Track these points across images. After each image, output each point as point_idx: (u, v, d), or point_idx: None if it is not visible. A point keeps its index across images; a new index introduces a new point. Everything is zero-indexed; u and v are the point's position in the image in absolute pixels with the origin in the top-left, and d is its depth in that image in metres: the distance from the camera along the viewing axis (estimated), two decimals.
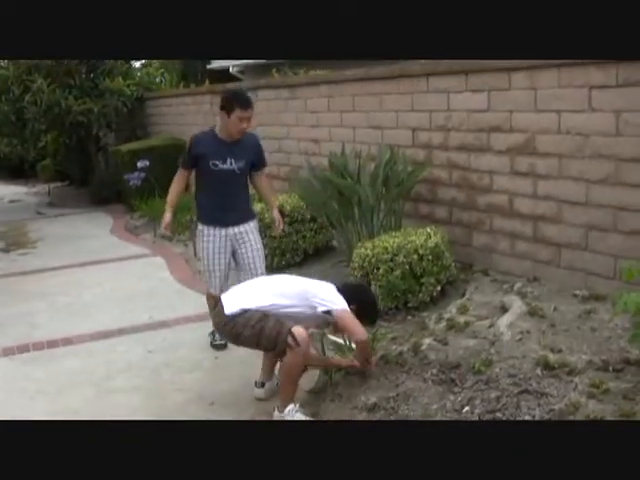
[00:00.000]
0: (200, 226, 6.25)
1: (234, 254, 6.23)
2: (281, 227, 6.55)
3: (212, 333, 6.31)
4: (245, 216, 6.22)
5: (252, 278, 5.93)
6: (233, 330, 4.97)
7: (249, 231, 6.19)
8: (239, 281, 5.89)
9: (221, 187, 6.08)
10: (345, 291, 5.11)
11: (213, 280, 6.23)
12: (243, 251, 6.17)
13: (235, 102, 5.88)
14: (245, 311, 4.94)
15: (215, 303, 6.10)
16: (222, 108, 5.94)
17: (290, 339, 4.76)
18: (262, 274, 6.13)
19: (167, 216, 6.31)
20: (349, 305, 4.97)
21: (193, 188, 6.45)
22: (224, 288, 6.01)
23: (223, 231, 6.11)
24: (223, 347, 6.24)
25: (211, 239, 6.14)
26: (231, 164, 6.01)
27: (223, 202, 6.10)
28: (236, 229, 6.14)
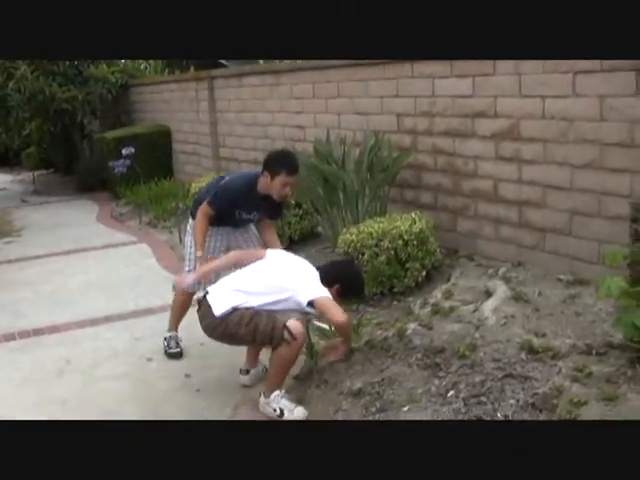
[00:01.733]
0: (192, 221, 6.01)
1: (228, 249, 6.00)
2: None
3: (166, 339, 6.17)
4: None
5: None
6: (226, 331, 4.89)
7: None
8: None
9: (229, 226, 5.96)
10: (327, 272, 5.10)
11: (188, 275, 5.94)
12: (240, 243, 6.03)
13: (282, 166, 5.57)
14: (235, 309, 4.88)
15: (183, 300, 6.09)
16: (266, 167, 5.63)
17: (286, 333, 4.74)
18: None
19: (199, 253, 5.72)
20: (333, 285, 4.95)
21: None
22: (197, 288, 5.86)
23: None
24: (179, 355, 6.08)
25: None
26: (254, 216, 5.87)
27: (222, 231, 5.97)
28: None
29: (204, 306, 5.00)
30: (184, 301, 6.09)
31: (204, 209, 5.74)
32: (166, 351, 6.13)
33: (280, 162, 5.62)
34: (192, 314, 6.21)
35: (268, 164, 5.62)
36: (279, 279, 4.99)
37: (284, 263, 5.21)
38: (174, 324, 6.19)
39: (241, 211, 5.81)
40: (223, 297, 4.94)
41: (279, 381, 4.95)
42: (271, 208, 5.84)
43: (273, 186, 5.58)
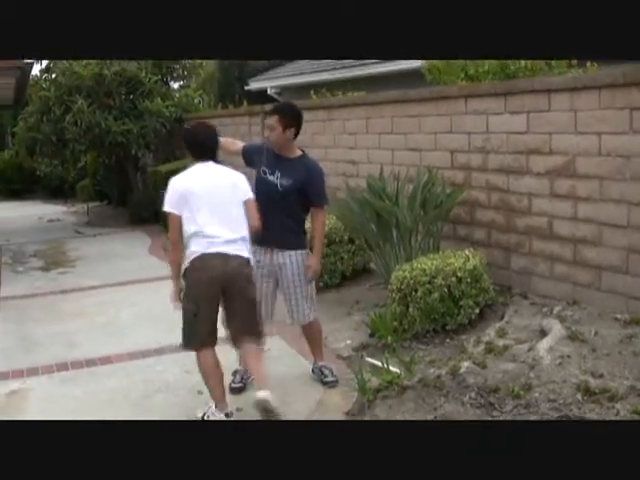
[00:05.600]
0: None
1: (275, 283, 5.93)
2: (310, 276, 5.88)
3: (233, 373, 6.03)
4: (287, 243, 5.81)
5: (290, 315, 5.92)
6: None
7: (289, 267, 5.81)
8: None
9: (264, 201, 5.70)
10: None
11: None
12: (284, 286, 5.86)
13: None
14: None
15: None
16: None
17: None
18: (301, 313, 5.90)
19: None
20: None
21: None
22: (265, 319, 5.80)
23: (267, 259, 5.81)
24: (238, 391, 5.90)
25: (255, 266, 5.79)
26: (276, 178, 5.73)
27: (264, 218, 5.68)
28: (281, 259, 5.80)
29: (237, 259, 5.17)
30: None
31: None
32: (230, 384, 5.96)
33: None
34: None
35: None
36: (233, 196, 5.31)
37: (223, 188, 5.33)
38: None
39: (264, 169, 5.80)
40: (241, 246, 5.23)
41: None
42: (295, 174, 5.74)
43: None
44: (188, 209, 5.16)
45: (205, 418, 5.18)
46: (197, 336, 5.18)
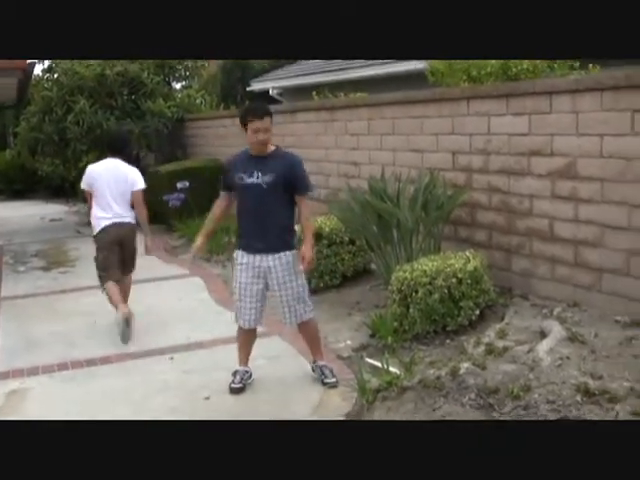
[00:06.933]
0: (235, 251, 5.97)
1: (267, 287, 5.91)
2: (306, 266, 5.79)
3: (233, 373, 6.03)
4: (278, 245, 5.76)
5: (284, 315, 5.91)
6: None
7: (279, 268, 5.75)
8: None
9: (250, 205, 5.76)
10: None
11: (240, 312, 5.93)
12: (274, 289, 5.84)
13: (248, 113, 5.66)
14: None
15: (244, 337, 6.06)
16: (241, 123, 5.72)
17: None
18: (294, 314, 5.89)
19: (199, 240, 6.11)
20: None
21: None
22: (255, 322, 5.90)
23: (256, 262, 5.77)
24: (238, 391, 5.90)
25: (243, 268, 5.83)
26: (257, 177, 5.65)
27: (253, 223, 5.78)
28: (270, 262, 5.75)
29: (128, 225, 7.82)
30: (246, 336, 6.06)
31: (219, 197, 6.17)
32: (229, 385, 5.98)
33: (246, 111, 5.76)
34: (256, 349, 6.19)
35: (240, 120, 5.76)
36: (125, 184, 7.76)
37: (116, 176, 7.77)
38: (241, 358, 6.10)
39: (240, 174, 5.74)
40: (130, 217, 7.77)
41: None
42: (277, 168, 5.67)
43: (248, 137, 5.69)
44: (95, 189, 7.68)
45: (116, 320, 7.38)
46: (107, 274, 7.74)
